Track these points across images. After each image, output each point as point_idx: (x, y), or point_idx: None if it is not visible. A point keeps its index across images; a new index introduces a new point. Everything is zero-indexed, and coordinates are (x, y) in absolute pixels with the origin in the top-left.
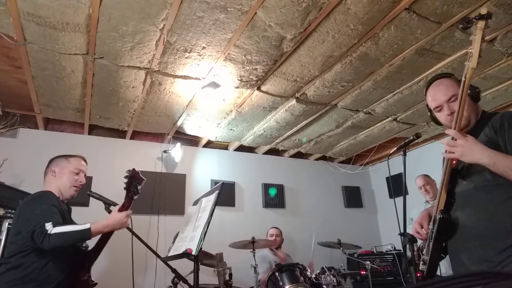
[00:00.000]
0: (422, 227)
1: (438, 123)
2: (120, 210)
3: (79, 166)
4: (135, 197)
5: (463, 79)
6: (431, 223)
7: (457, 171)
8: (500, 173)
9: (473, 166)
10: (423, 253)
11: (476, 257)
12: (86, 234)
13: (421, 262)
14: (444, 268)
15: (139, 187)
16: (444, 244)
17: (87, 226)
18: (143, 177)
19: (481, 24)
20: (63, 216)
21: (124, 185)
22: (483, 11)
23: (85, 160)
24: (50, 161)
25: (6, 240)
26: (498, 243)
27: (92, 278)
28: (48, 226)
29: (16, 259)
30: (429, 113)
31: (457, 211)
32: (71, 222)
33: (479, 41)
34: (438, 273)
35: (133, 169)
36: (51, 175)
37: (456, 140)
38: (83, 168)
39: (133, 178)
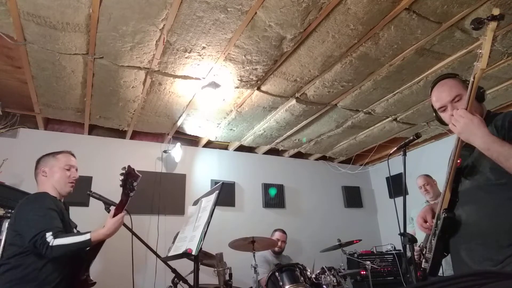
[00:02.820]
0: (425, 221)
1: (443, 123)
2: (116, 210)
3: (69, 162)
4: (131, 194)
5: (472, 79)
6: (435, 219)
7: (461, 170)
8: (494, 158)
9: (477, 166)
10: (425, 251)
11: (477, 256)
12: (87, 244)
13: (423, 260)
14: (444, 268)
15: (135, 184)
16: (446, 242)
17: (87, 236)
18: (138, 174)
19: (492, 25)
20: (61, 216)
21: (120, 182)
22: (496, 11)
23: (73, 155)
24: (38, 162)
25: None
26: (499, 242)
27: (91, 277)
28: (49, 237)
29: (16, 260)
30: (434, 113)
31: (459, 209)
32: (70, 222)
33: (490, 42)
34: (439, 273)
35: (129, 166)
36: (42, 175)
37: (463, 116)
38: (73, 163)
39: (129, 175)
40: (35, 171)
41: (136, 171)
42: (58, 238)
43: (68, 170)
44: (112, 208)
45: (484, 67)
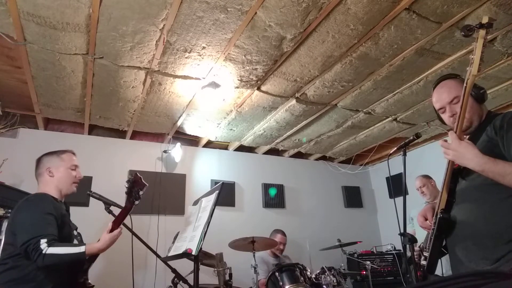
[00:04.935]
0: (426, 220)
1: (444, 123)
2: (119, 216)
3: (74, 162)
4: (137, 202)
5: (465, 84)
6: (434, 217)
7: (459, 171)
8: (490, 178)
9: None
10: (425, 249)
11: (473, 255)
12: (81, 256)
13: (422, 258)
14: (445, 267)
15: (140, 193)
16: (444, 242)
17: (82, 249)
18: (145, 183)
19: (482, 32)
20: (61, 219)
21: (126, 189)
22: (484, 19)
23: (75, 154)
24: (40, 160)
25: None
26: (494, 241)
27: (90, 280)
28: (43, 244)
29: (14, 261)
30: (435, 112)
31: (455, 209)
32: (70, 224)
33: (480, 48)
34: (439, 273)
35: (135, 174)
36: (48, 175)
37: (449, 145)
38: (77, 163)
39: (135, 183)
40: (37, 170)
41: (143, 180)
42: (52, 247)
43: (74, 170)
44: (113, 208)
45: (476, 73)
